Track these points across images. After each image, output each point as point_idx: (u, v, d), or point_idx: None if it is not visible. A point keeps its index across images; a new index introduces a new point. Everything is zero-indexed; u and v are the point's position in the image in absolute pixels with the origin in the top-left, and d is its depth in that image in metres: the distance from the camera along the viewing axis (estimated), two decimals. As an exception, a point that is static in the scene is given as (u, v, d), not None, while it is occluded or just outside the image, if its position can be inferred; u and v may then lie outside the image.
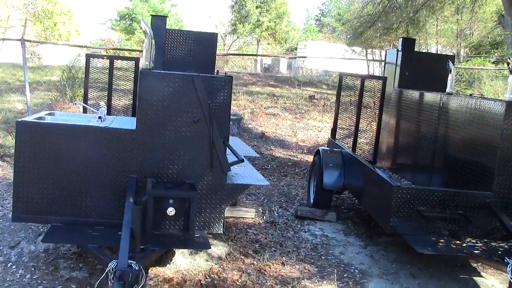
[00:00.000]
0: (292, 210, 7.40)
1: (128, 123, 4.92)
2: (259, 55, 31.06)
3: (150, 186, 4.29)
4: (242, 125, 12.73)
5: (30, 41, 11.17)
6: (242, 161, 4.84)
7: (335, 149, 7.52)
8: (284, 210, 7.41)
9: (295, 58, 34.50)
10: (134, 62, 7.59)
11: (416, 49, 8.63)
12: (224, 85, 6.16)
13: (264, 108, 15.70)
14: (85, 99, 7.51)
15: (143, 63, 4.61)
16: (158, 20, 7.28)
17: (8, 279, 4.74)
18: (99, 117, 4.95)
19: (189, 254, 5.32)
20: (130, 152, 4.56)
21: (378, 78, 8.33)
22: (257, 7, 33.31)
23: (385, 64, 8.79)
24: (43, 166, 4.50)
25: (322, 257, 5.75)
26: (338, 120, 8.21)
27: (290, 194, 8.29)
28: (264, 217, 6.98)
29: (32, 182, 4.51)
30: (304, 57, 26.68)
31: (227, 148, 5.80)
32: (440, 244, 4.95)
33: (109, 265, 3.74)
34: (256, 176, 5.15)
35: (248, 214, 6.95)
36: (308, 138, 12.51)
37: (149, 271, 4.92)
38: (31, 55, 31.59)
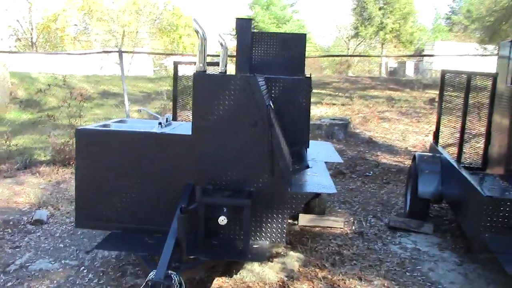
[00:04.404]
0: (386, 220, 6.85)
1: (189, 129, 4.77)
2: (362, 56, 30.11)
3: (199, 194, 4.09)
4: (349, 130, 12.24)
5: (126, 52, 11.65)
6: (307, 167, 4.48)
7: (433, 154, 6.86)
8: (378, 220, 6.89)
9: (411, 56, 32.88)
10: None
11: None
12: (302, 87, 5.86)
13: (378, 112, 15.03)
14: (174, 106, 7.57)
15: (197, 66, 4.44)
16: (243, 23, 7.11)
17: (77, 282, 4.81)
18: (159, 123, 4.86)
19: (259, 265, 5.07)
20: (187, 158, 4.40)
21: (487, 74, 7.50)
22: (380, 9, 32.30)
23: (498, 59, 7.90)
24: (101, 173, 4.49)
25: (407, 273, 5.20)
26: (441, 123, 7.50)
27: (388, 203, 7.72)
28: (353, 227, 6.52)
29: (92, 189, 4.52)
30: (423, 55, 25.31)
31: (304, 153, 5.49)
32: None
33: (149, 275, 3.59)
34: (325, 184, 4.75)
35: (337, 223, 6.53)
36: (419, 143, 11.71)
37: (213, 281, 4.75)
38: (159, 67, 33.35)
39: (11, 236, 6.07)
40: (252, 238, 4.41)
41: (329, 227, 6.48)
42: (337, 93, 19.61)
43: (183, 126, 5.05)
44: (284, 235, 4.44)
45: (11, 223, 6.51)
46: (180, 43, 33.68)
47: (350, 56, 32.04)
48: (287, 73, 6.48)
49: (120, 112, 14.87)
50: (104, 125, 5.03)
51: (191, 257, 4.07)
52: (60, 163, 9.35)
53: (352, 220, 6.80)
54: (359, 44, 38.42)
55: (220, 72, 5.97)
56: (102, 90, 21.95)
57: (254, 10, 43.34)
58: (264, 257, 4.23)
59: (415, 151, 10.93)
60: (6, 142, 10.20)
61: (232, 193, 4.26)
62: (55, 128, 12.77)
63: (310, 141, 7.52)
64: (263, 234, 4.43)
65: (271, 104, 5.07)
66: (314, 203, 6.63)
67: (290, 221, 6.57)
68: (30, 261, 5.28)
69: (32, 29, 44.36)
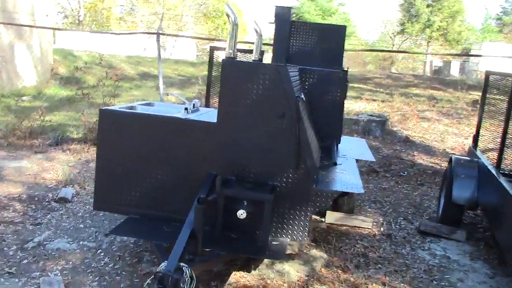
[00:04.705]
0: (417, 223, 6.57)
1: (215, 116, 4.60)
2: (405, 52, 29.33)
3: (219, 185, 3.92)
4: (386, 128, 11.90)
5: (164, 34, 11.51)
6: (335, 164, 4.27)
7: (470, 158, 6.54)
8: (408, 223, 6.62)
9: (458, 55, 31.89)
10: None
11: None
12: (337, 80, 5.64)
13: (418, 111, 14.61)
14: (208, 92, 7.44)
15: (226, 52, 4.25)
16: (282, 11, 6.92)
17: (93, 265, 4.72)
18: (185, 109, 4.71)
19: (279, 262, 4.89)
20: (210, 146, 4.23)
21: (535, 78, 7.10)
22: (427, 6, 31.45)
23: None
24: (122, 155, 4.37)
25: (434, 282, 4.94)
26: (482, 126, 7.15)
27: (421, 206, 7.42)
28: (382, 229, 6.28)
29: (112, 171, 4.40)
30: (470, 55, 24.55)
31: (333, 149, 5.27)
32: None
33: (160, 266, 3.45)
34: (353, 183, 4.53)
35: (365, 223, 6.30)
36: (458, 145, 11.29)
37: (231, 275, 4.60)
38: (202, 52, 33.35)
39: (34, 212, 6.05)
40: (273, 234, 4.23)
41: (357, 227, 6.25)
42: (377, 89, 19.21)
43: (210, 113, 4.88)
44: (306, 233, 4.24)
45: (36, 199, 6.50)
46: (225, 29, 33.65)
47: (393, 52, 31.36)
48: (324, 65, 6.26)
49: (158, 94, 14.85)
50: (130, 107, 4.91)
51: (207, 249, 3.93)
52: (91, 142, 9.34)
53: (381, 221, 6.56)
54: (404, 40, 37.61)
55: (253, 60, 5.80)
56: (142, 71, 22.08)
57: (300, 0, 42.98)
58: (282, 255, 4.04)
59: (453, 153, 10.55)
60: (40, 117, 10.26)
61: (254, 186, 4.08)
62: (91, 106, 12.86)
63: (344, 137, 7.28)
64: (284, 231, 4.24)
65: (303, 96, 4.87)
66: (342, 201, 6.42)
67: (317, 218, 6.38)
68: (48, 239, 5.23)
69: (80, 7, 45.20)
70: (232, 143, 4.20)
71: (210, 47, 7.63)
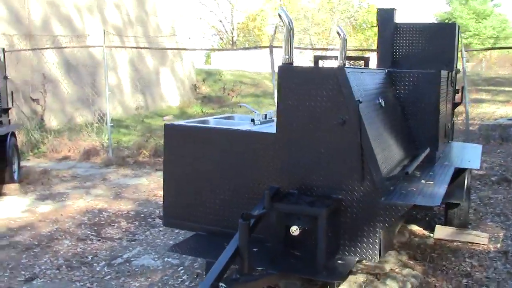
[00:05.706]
0: (547, 239, 5.68)
1: None
2: None
3: (268, 199, 3.66)
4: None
5: (276, 47, 11.30)
6: (406, 174, 3.80)
7: None
8: (534, 239, 5.75)
9: None
10: (363, 61, 7.00)
11: None
12: (429, 82, 5.14)
13: None
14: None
15: (282, 57, 3.99)
16: (385, 14, 6.56)
17: (169, 282, 4.70)
18: (252, 120, 4.53)
19: (363, 282, 4.46)
20: (271, 158, 4.00)
21: None
22: None
23: None
24: (186, 170, 4.32)
25: (549, 310, 4.19)
26: None
27: (556, 220, 6.42)
28: (498, 245, 5.52)
29: (178, 187, 4.37)
30: None
31: (418, 157, 4.74)
32: None
33: (199, 285, 3.29)
34: (432, 194, 3.97)
35: (479, 239, 5.61)
36: None
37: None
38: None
39: (136, 228, 6.25)
40: (340, 252, 3.88)
41: (470, 243, 5.57)
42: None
43: None
44: (376, 251, 3.80)
45: (142, 215, 6.73)
46: (375, 40, 33.15)
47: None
48: (433, 66, 5.75)
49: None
50: (203, 121, 4.87)
51: (258, 268, 3.69)
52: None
53: (501, 237, 5.77)
54: None
55: (338, 66, 5.48)
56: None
57: (452, 5, 40.99)
58: (343, 276, 3.66)
59: None
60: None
61: (312, 200, 3.76)
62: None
63: (457, 143, 6.64)
64: (351, 249, 3.85)
65: (381, 100, 4.45)
66: (453, 214, 5.79)
67: (425, 232, 5.84)
68: (137, 255, 5.34)
69: (233, 29, 47.64)
70: (292, 154, 3.94)
71: (314, 56, 7.39)
